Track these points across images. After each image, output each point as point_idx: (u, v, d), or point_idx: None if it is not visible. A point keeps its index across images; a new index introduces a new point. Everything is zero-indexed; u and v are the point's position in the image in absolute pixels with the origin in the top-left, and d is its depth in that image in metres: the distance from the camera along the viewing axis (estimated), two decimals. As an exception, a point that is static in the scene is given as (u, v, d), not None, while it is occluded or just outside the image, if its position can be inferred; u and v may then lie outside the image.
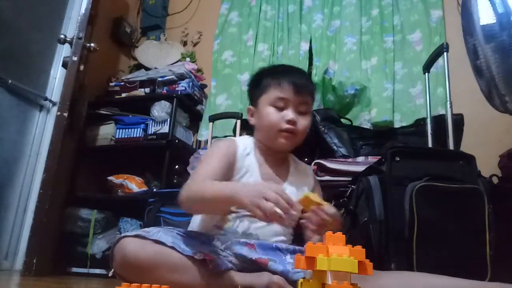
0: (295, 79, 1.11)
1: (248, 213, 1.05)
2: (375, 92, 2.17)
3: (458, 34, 2.16)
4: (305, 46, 2.44)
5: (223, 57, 2.61)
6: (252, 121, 1.20)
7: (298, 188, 1.17)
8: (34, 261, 1.83)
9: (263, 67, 1.25)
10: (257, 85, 1.18)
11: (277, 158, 1.19)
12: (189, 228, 1.19)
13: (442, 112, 1.73)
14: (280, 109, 1.10)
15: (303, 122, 1.12)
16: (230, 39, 2.64)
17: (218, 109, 2.45)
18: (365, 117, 2.14)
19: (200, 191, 0.98)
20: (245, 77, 2.48)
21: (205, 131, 2.44)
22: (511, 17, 1.18)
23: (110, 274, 0.97)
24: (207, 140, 2.25)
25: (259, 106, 1.15)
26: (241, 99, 2.44)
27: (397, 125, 2.10)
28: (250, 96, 1.22)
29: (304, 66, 2.39)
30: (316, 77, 2.31)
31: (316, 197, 0.95)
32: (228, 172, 1.10)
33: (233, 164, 1.11)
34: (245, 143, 1.18)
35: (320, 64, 2.36)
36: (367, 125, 2.11)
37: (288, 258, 1.00)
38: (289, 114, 1.09)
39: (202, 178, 1.03)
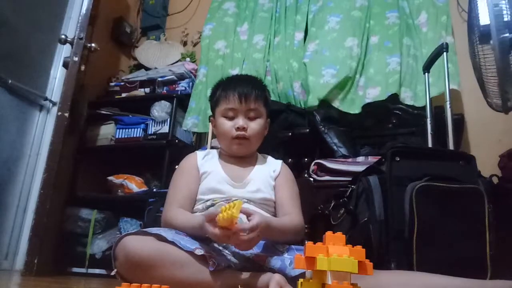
0: (240, 90, 1.22)
1: (223, 201, 1.15)
2: (377, 71, 2.14)
3: (458, 33, 2.17)
4: (299, 36, 2.44)
5: (216, 46, 2.56)
6: (214, 130, 1.33)
7: (264, 174, 1.24)
8: (35, 261, 1.83)
9: (220, 81, 1.34)
10: (213, 98, 1.30)
11: (240, 159, 1.27)
12: None
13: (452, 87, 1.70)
14: (231, 118, 1.22)
15: (254, 127, 1.22)
16: (224, 28, 2.60)
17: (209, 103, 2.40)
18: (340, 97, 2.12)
19: (172, 223, 1.10)
20: (236, 72, 2.46)
21: (190, 120, 2.40)
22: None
23: (113, 273, 0.98)
24: (207, 140, 2.25)
25: (216, 118, 1.27)
26: None
27: (408, 102, 2.05)
28: (211, 108, 1.34)
29: (299, 55, 2.38)
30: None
31: (229, 214, 0.86)
32: (193, 181, 1.21)
33: (196, 173, 1.22)
34: (206, 153, 1.30)
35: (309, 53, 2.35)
36: (343, 109, 2.10)
37: (286, 254, 1.02)
38: (239, 121, 1.20)
39: (171, 205, 1.16)
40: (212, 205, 1.15)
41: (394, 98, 2.06)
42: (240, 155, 1.26)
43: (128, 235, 0.96)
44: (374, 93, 2.10)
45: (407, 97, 2.08)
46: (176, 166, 1.28)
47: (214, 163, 1.25)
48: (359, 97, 2.14)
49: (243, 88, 1.22)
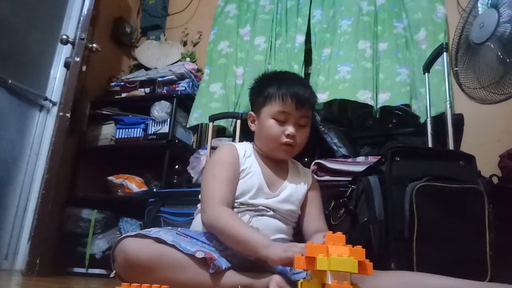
0: (299, 93, 1.13)
1: (249, 207, 1.11)
2: (387, 77, 2.14)
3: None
4: (300, 39, 2.45)
5: (219, 47, 2.59)
6: (252, 127, 1.25)
7: (297, 186, 1.22)
8: (37, 261, 1.83)
9: (266, 73, 1.26)
10: (260, 93, 1.19)
11: (275, 161, 1.23)
12: (192, 227, 1.20)
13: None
14: (281, 122, 1.14)
15: (302, 135, 1.17)
16: (226, 30, 2.62)
17: (211, 97, 2.42)
18: (366, 95, 2.08)
19: (228, 229, 0.99)
20: (240, 70, 2.49)
21: (194, 115, 2.41)
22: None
23: (112, 275, 0.97)
24: (206, 140, 2.25)
25: (261, 116, 1.18)
26: (235, 91, 2.43)
27: (417, 113, 2.03)
28: (252, 102, 1.24)
29: (300, 58, 2.39)
30: (313, 71, 2.34)
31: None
32: (236, 177, 1.14)
33: (238, 168, 1.16)
34: (244, 147, 1.22)
35: (316, 57, 2.37)
36: (370, 102, 2.06)
37: None
38: (289, 129, 1.13)
39: (215, 201, 1.06)
40: (236, 209, 1.12)
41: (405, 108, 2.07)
42: (281, 160, 1.23)
43: (127, 237, 0.96)
44: (384, 98, 2.11)
45: (417, 109, 2.07)
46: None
47: (254, 162, 1.20)
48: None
49: (301, 91, 1.13)
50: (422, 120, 1.99)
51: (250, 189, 1.14)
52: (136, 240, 0.95)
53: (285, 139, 1.14)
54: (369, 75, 2.14)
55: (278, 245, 0.89)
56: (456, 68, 1.46)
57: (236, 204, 1.13)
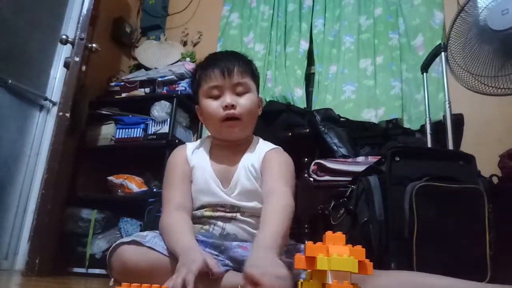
0: (222, 64, 1.07)
1: (220, 214, 1.05)
2: (382, 91, 2.18)
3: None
4: (304, 45, 2.45)
5: None
6: (201, 119, 1.18)
7: (248, 167, 1.10)
8: (37, 261, 1.83)
9: (197, 64, 1.21)
10: (193, 83, 1.16)
11: (234, 146, 1.14)
12: None
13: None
14: (217, 97, 1.08)
15: (243, 102, 1.08)
16: (231, 41, 2.65)
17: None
18: (370, 114, 2.15)
19: (164, 232, 0.97)
20: None
21: None
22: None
23: (111, 283, 0.96)
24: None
25: (200, 102, 1.12)
26: None
27: (406, 125, 2.10)
28: (194, 96, 1.19)
29: (303, 65, 2.41)
30: (318, 83, 2.36)
31: None
32: (185, 176, 1.10)
33: (186, 167, 1.11)
34: (196, 143, 1.18)
35: (322, 70, 2.37)
36: (375, 120, 2.12)
37: (283, 257, 1.00)
38: (225, 99, 1.06)
39: (167, 207, 1.04)
40: (209, 217, 1.06)
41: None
42: (233, 140, 1.12)
43: (123, 245, 0.93)
44: (379, 114, 2.16)
45: (405, 121, 2.14)
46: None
47: (203, 156, 1.13)
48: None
49: (225, 62, 1.08)
50: (413, 128, 2.03)
51: (202, 185, 1.08)
52: (132, 248, 0.92)
53: (224, 112, 1.06)
54: (372, 93, 2.20)
55: (190, 264, 0.82)
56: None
57: (205, 213, 1.07)
